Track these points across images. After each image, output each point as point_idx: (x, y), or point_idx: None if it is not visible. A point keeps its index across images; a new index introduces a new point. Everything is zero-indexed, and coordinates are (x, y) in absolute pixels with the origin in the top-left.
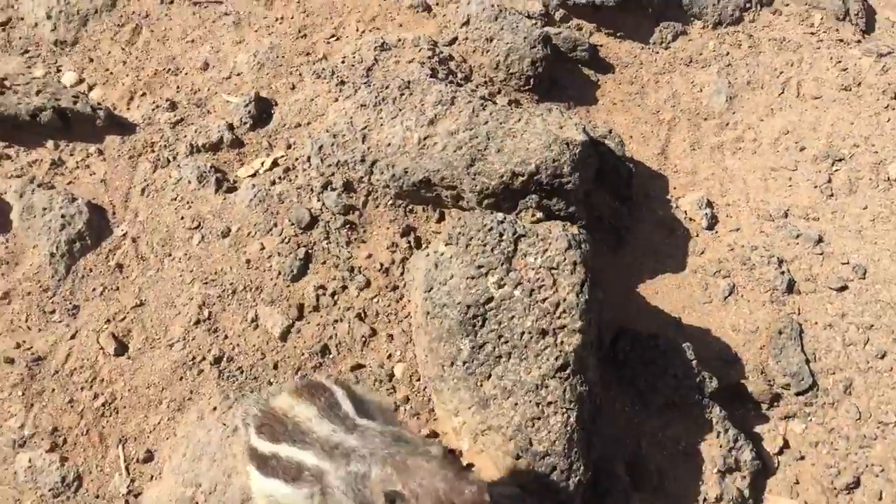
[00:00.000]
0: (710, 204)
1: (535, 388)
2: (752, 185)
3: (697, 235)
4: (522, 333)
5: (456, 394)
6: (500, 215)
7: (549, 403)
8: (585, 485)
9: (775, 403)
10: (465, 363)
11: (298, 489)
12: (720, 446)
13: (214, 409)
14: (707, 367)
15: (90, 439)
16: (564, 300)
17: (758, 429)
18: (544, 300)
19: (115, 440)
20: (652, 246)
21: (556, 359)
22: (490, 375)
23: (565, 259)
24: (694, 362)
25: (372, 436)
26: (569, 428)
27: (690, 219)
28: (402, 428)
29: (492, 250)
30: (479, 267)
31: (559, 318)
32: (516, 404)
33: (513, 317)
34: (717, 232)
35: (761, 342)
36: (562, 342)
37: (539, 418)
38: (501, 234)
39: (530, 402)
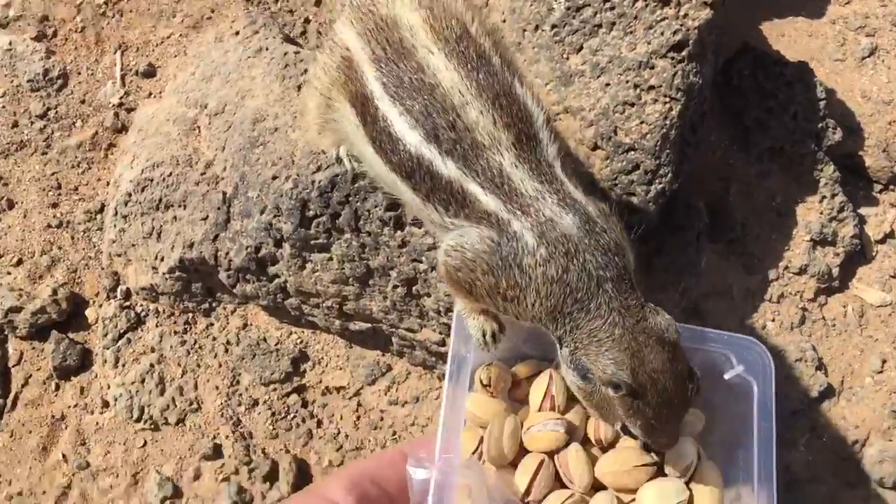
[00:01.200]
0: None
1: (636, 66)
2: None
3: None
4: None
5: (533, 66)
6: None
7: (651, 88)
8: (666, 199)
9: (891, 187)
10: (553, 28)
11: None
12: (821, 213)
13: (237, 33)
14: None
15: (84, 38)
16: None
17: (863, 210)
18: None
19: (113, 45)
20: None
21: (675, 34)
22: (581, 48)
23: None
24: (822, 103)
25: (605, 244)
26: (668, 122)
27: None
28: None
29: None
30: None
31: None
32: (608, 84)
33: None
34: None
35: (893, 116)
36: (685, 15)
37: (633, 104)
38: None
39: (627, 83)
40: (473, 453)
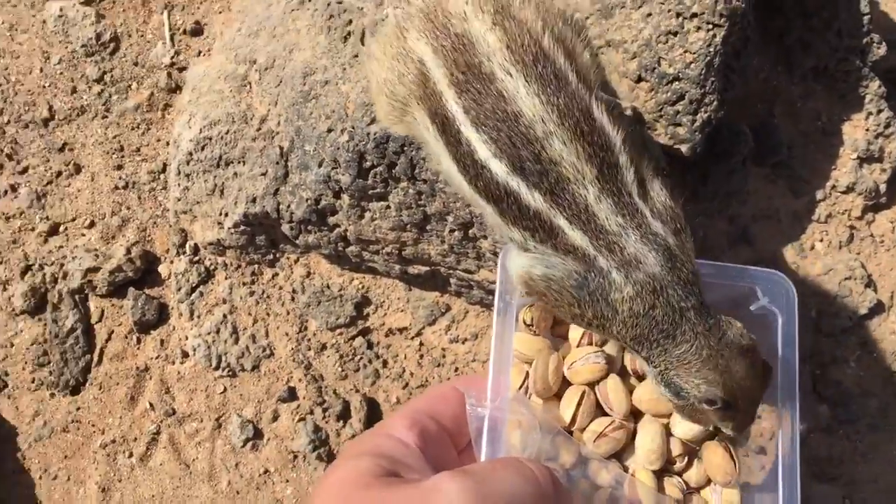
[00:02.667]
0: None
1: None
2: None
3: None
4: None
5: (573, 0)
6: None
7: (694, 16)
8: (712, 128)
9: None
10: None
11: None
12: (867, 130)
13: None
14: None
15: (131, 0)
16: None
17: None
18: None
19: (159, 5)
20: None
21: None
22: None
23: None
24: (866, 18)
25: (685, 277)
26: (711, 49)
27: None
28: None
29: None
30: None
31: None
32: (649, 15)
33: None
34: None
35: None
36: None
37: (676, 34)
38: None
39: (669, 12)
40: (520, 388)
